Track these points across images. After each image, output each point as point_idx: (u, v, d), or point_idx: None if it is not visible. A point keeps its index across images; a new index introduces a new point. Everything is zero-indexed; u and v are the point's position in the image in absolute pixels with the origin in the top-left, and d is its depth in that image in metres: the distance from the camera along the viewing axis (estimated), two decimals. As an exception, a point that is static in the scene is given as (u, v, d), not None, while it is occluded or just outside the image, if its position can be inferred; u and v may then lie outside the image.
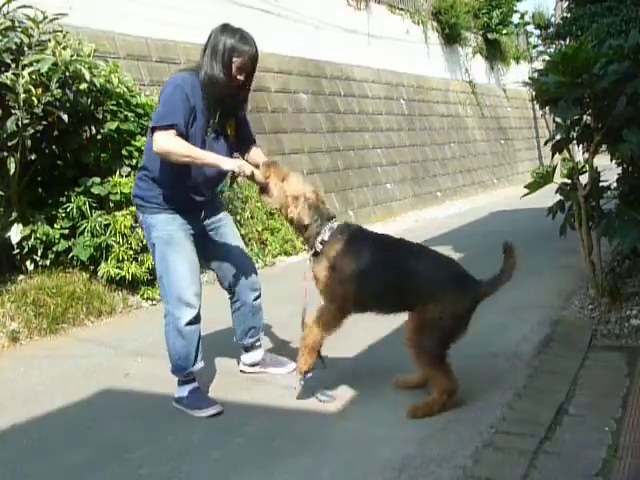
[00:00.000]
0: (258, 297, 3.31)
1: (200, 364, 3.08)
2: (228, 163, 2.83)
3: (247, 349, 3.40)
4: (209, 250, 3.19)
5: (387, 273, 2.76)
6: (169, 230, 2.97)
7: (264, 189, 2.92)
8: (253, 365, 3.41)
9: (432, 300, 2.69)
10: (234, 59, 2.86)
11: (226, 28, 2.92)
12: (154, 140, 2.80)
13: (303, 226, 2.87)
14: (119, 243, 5.10)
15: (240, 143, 3.18)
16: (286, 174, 2.92)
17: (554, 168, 4.29)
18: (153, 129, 2.82)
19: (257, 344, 3.39)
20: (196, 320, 3.00)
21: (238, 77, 2.91)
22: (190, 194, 3.01)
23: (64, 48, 4.86)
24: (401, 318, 4.18)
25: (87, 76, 4.90)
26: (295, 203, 2.85)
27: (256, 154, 3.21)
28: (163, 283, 3.00)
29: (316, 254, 2.85)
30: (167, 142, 2.77)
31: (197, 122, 2.90)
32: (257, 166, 2.96)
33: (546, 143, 4.74)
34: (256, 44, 2.94)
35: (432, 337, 2.70)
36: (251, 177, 2.87)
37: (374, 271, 2.76)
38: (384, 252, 2.81)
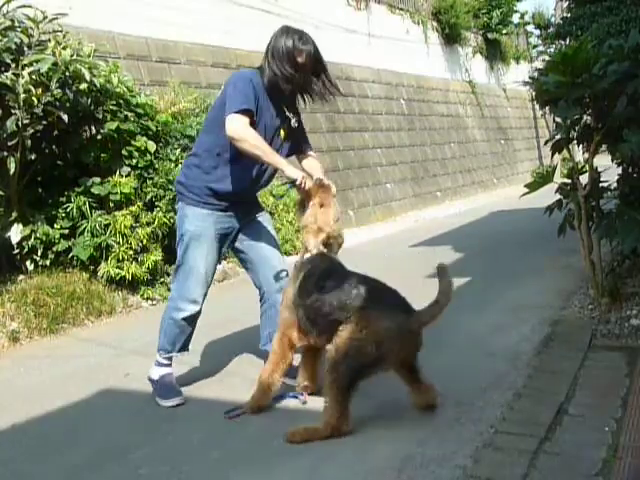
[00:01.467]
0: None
1: (185, 352, 3.18)
2: (293, 171, 2.88)
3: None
4: (241, 248, 3.21)
5: (315, 295, 2.69)
6: (200, 226, 3.02)
7: (303, 204, 2.94)
8: None
9: (352, 319, 2.55)
10: (295, 57, 2.93)
11: (285, 30, 3.00)
12: (231, 121, 2.82)
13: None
14: (119, 243, 5.10)
15: (293, 147, 3.20)
16: (328, 202, 2.89)
17: (554, 168, 4.30)
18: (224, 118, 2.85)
19: None
20: (195, 317, 3.09)
21: (299, 74, 2.96)
22: (235, 190, 3.02)
23: (64, 48, 4.86)
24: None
25: (87, 76, 4.90)
26: (309, 230, 2.85)
27: (312, 165, 3.19)
28: (178, 272, 3.09)
29: None
30: (245, 128, 2.82)
31: (264, 115, 2.95)
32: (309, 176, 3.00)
33: (546, 143, 4.74)
34: (315, 44, 3.00)
35: (344, 359, 2.52)
36: (305, 191, 2.89)
37: (305, 296, 2.72)
38: (322, 279, 2.73)
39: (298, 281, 2.80)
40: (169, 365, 3.14)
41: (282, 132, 3.10)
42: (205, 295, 3.10)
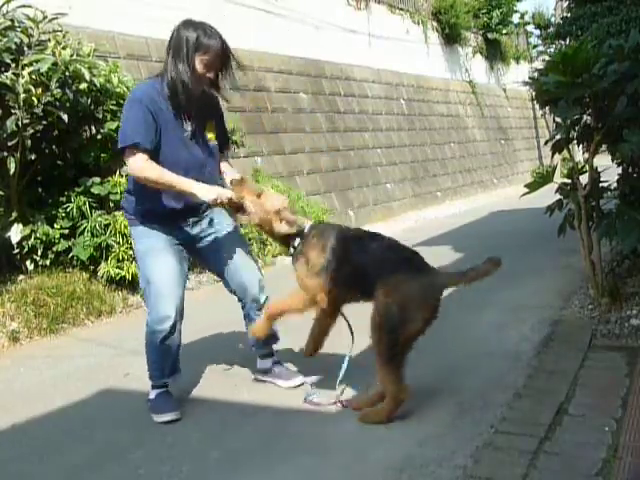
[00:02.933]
0: (261, 308, 3.14)
1: (176, 376, 3.07)
2: (205, 192, 2.75)
3: (259, 356, 3.31)
4: (205, 259, 3.14)
5: (350, 261, 2.76)
6: (147, 242, 2.91)
7: (239, 208, 2.88)
8: (264, 372, 3.30)
9: (383, 286, 2.64)
10: (198, 56, 2.72)
11: (187, 23, 2.78)
12: (128, 161, 2.76)
13: (287, 235, 2.88)
14: (119, 243, 5.11)
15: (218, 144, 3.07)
16: (259, 189, 2.93)
17: (554, 168, 4.29)
18: (122, 150, 2.77)
19: (266, 352, 3.28)
20: (172, 332, 2.91)
21: (207, 75, 2.77)
22: (166, 204, 2.90)
23: (64, 48, 4.86)
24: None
25: (87, 76, 4.90)
26: (277, 216, 2.84)
27: (226, 170, 3.08)
28: (145, 295, 3.00)
29: (294, 254, 2.88)
30: (141, 169, 2.73)
31: (169, 129, 2.80)
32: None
33: (546, 143, 4.74)
34: (222, 37, 2.77)
35: (383, 328, 2.60)
36: (230, 202, 2.82)
37: (339, 261, 2.76)
38: (349, 242, 2.81)
39: (326, 249, 2.77)
40: (165, 386, 3.04)
41: (209, 131, 2.97)
42: (179, 308, 2.92)
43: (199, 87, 2.81)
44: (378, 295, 2.64)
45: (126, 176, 3.16)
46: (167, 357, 2.99)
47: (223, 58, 2.80)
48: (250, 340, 3.24)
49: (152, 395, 3.03)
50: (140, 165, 2.74)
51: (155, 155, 2.79)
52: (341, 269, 2.76)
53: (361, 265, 2.74)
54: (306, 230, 2.88)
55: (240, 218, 2.93)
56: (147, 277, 2.91)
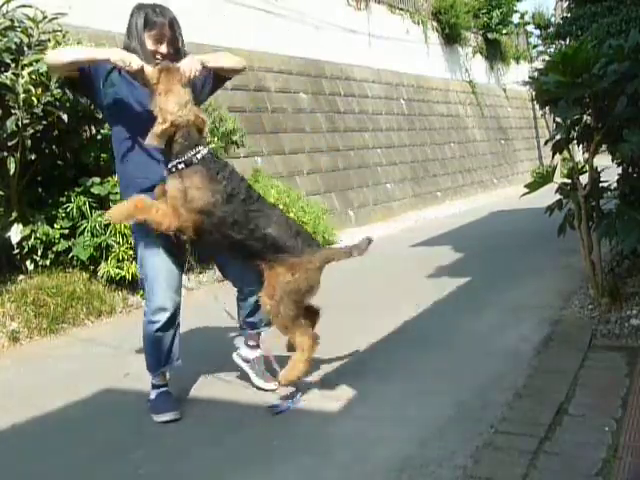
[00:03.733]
0: (258, 300, 3.11)
1: (176, 363, 3.07)
2: (116, 54, 2.67)
3: (245, 341, 3.30)
4: (201, 251, 3.16)
5: (240, 218, 2.75)
6: (146, 232, 2.88)
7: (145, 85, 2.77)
8: (245, 361, 3.29)
9: (284, 263, 2.77)
10: (147, 32, 2.82)
11: (139, 6, 2.89)
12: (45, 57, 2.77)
13: (170, 143, 2.72)
14: (119, 243, 5.10)
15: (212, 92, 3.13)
16: (170, 87, 2.70)
17: (554, 168, 4.29)
18: None
19: (253, 344, 3.28)
20: (169, 324, 2.94)
21: (160, 50, 2.85)
22: (147, 173, 2.88)
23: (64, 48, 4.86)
24: (401, 318, 4.20)
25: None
26: (162, 124, 2.67)
27: (197, 56, 2.94)
28: (144, 286, 3.02)
29: (173, 172, 2.74)
30: (56, 52, 2.75)
31: (137, 97, 2.82)
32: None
33: (546, 143, 4.74)
34: (172, 15, 2.88)
35: (287, 301, 2.78)
36: (139, 74, 2.69)
37: (229, 213, 2.73)
38: (240, 196, 2.77)
39: (205, 186, 2.69)
40: (165, 385, 3.05)
41: None
42: (174, 301, 2.94)
43: (153, 62, 2.83)
44: (277, 267, 2.78)
45: None
46: (162, 347, 2.99)
47: (172, 30, 2.88)
48: (240, 320, 3.25)
49: (152, 395, 3.04)
50: (55, 51, 2.75)
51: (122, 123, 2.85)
52: (226, 221, 2.73)
53: (262, 231, 2.76)
54: (199, 156, 2.72)
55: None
56: (146, 270, 2.94)
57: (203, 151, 2.76)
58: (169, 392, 3.06)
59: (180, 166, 2.72)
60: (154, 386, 3.05)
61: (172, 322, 2.96)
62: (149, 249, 2.94)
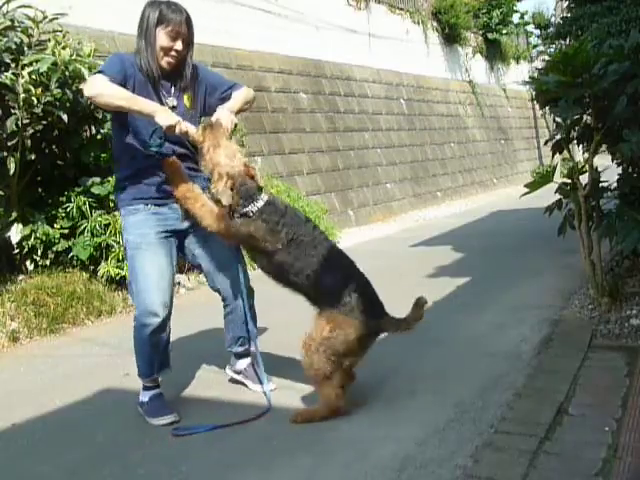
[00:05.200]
0: (251, 307, 3.15)
1: (166, 371, 3.05)
2: (165, 115, 2.67)
3: (235, 356, 3.28)
4: (192, 252, 3.07)
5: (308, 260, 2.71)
6: (139, 233, 2.86)
7: (196, 148, 2.82)
8: (238, 372, 3.29)
9: (329, 315, 2.68)
10: (161, 29, 2.80)
11: (150, 2, 2.88)
12: (87, 82, 2.77)
13: (223, 205, 2.75)
14: (119, 243, 5.10)
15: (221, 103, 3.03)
16: (217, 142, 2.75)
17: (554, 168, 4.29)
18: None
19: (245, 352, 3.25)
20: (161, 329, 2.90)
21: (176, 47, 2.83)
22: (153, 171, 2.88)
23: (64, 48, 4.86)
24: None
25: (87, 76, 4.89)
26: (219, 180, 2.70)
27: (225, 105, 2.96)
28: (132, 289, 2.95)
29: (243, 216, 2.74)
30: (100, 83, 2.69)
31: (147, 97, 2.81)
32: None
33: (546, 143, 4.74)
34: (186, 12, 2.86)
35: (322, 355, 2.68)
36: (184, 135, 2.75)
37: (284, 259, 2.71)
38: (302, 239, 2.73)
39: (269, 223, 2.69)
40: (156, 387, 3.02)
41: (187, 100, 2.95)
42: (167, 305, 2.89)
43: (163, 60, 2.86)
44: (322, 316, 2.70)
45: None
46: (156, 352, 2.96)
47: (189, 29, 2.88)
48: (227, 341, 3.24)
49: (145, 397, 3.00)
50: (102, 81, 2.70)
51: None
52: (283, 266, 2.72)
53: (318, 278, 2.69)
54: (254, 209, 2.71)
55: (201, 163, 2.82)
56: (136, 271, 2.88)
57: (259, 202, 2.74)
58: (162, 394, 3.03)
59: (239, 221, 2.73)
60: (146, 388, 3.01)
61: (164, 323, 2.91)
62: (141, 248, 2.87)
